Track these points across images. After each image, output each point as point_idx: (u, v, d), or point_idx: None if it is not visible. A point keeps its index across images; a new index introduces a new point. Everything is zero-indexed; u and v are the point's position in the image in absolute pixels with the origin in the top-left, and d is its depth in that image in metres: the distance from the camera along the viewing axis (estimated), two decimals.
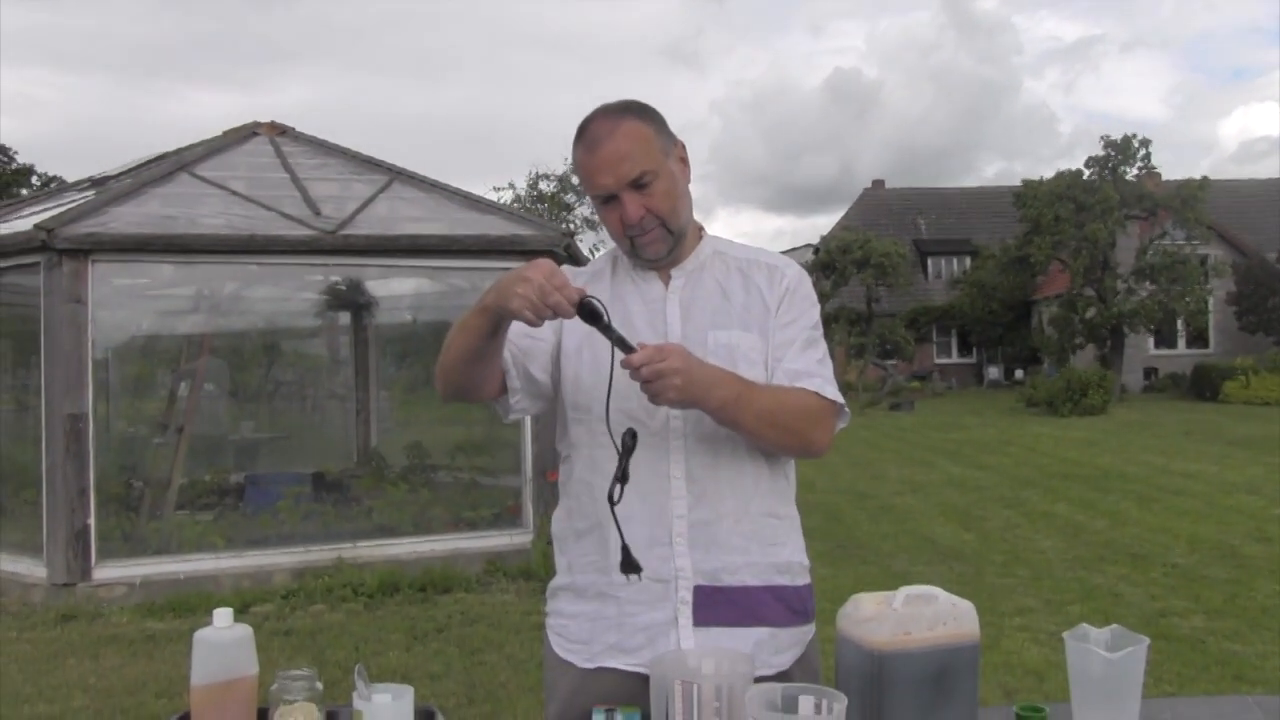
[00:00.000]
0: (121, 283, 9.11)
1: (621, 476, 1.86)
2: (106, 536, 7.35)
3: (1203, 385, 29.84)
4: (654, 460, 2.00)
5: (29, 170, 52.24)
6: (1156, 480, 13.37)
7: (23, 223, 7.54)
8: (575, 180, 39.07)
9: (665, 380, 1.78)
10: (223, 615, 1.72)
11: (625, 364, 1.80)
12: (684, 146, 2.09)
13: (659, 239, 2.02)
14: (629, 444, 1.86)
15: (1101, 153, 32.45)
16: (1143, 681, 1.80)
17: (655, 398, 1.82)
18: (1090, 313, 31.66)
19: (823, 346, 2.11)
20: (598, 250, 33.50)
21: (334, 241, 7.71)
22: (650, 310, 2.08)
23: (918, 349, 37.69)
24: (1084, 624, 1.87)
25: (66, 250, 6.99)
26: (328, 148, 10.03)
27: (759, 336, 2.05)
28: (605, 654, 2.04)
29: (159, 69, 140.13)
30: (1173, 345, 36.76)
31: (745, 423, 1.94)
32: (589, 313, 1.79)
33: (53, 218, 7.17)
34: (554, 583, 2.17)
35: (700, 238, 2.15)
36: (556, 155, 69.53)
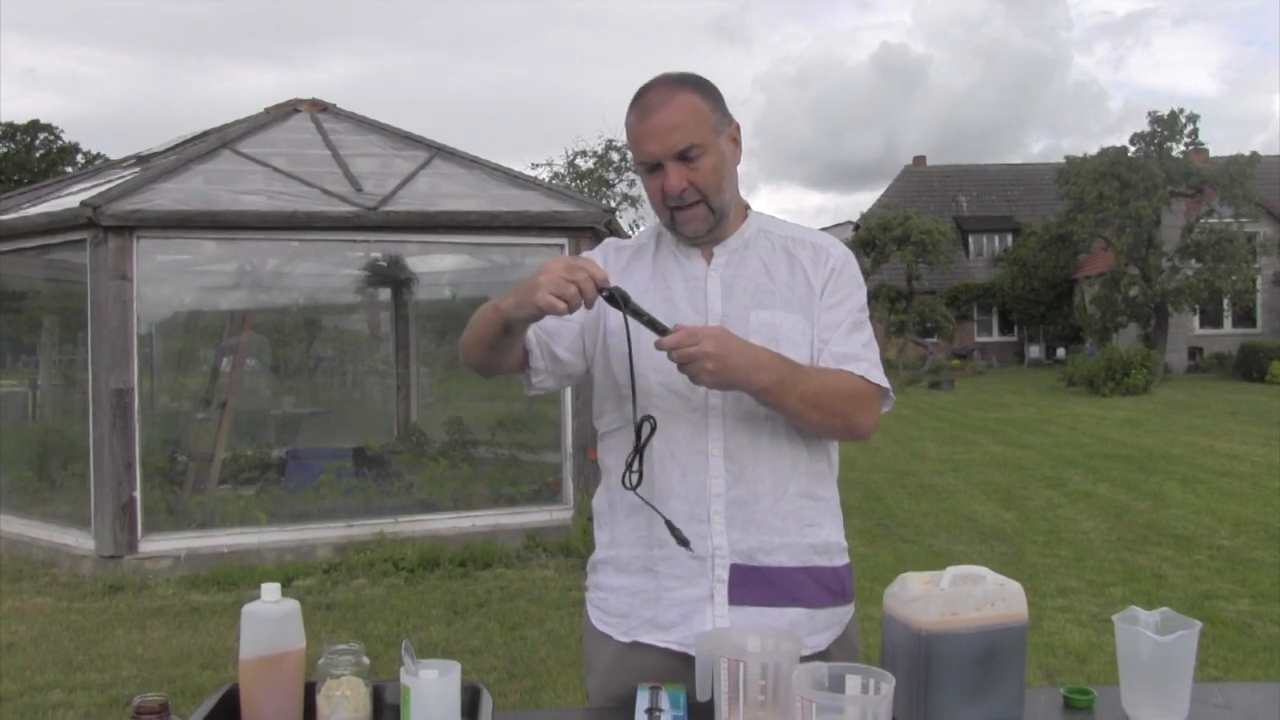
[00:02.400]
0: (166, 259, 9.21)
1: (634, 464, 1.91)
2: (152, 510, 7.45)
3: (1249, 365, 29.41)
4: (693, 437, 1.99)
5: (74, 148, 52.90)
6: (1201, 461, 13.21)
7: (69, 200, 7.61)
8: (615, 157, 39.24)
9: (697, 364, 1.79)
10: (270, 590, 1.73)
11: (658, 346, 1.81)
12: (739, 128, 2.06)
13: (699, 215, 1.99)
14: (645, 432, 1.90)
15: (1148, 129, 31.94)
16: (1194, 665, 1.77)
17: (693, 380, 1.83)
18: (1134, 291, 31.22)
19: (869, 329, 2.08)
20: (638, 227, 33.44)
21: (375, 218, 7.73)
22: (691, 288, 2.05)
23: (958, 327, 37.37)
24: (1133, 607, 1.85)
25: (112, 227, 7.06)
26: (368, 124, 10.06)
27: (802, 317, 2.02)
28: (641, 629, 2.04)
29: (203, 47, 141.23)
30: (1218, 325, 36.17)
31: (790, 406, 1.93)
32: (613, 300, 1.81)
33: (98, 195, 7.24)
34: (595, 556, 2.17)
35: (745, 216, 2.12)
36: (596, 132, 69.87)
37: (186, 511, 7.92)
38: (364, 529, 7.65)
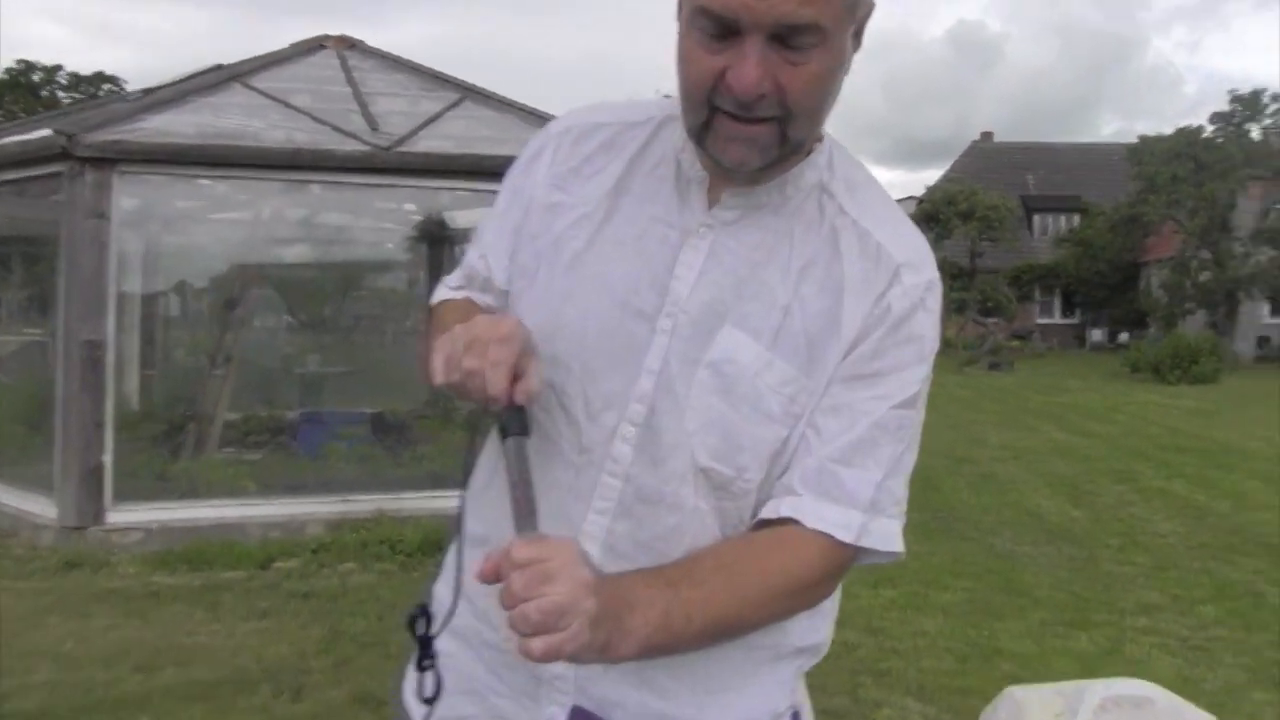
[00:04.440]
0: (182, 205, 8.58)
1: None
2: (129, 475, 6.75)
3: None
4: (567, 494, 1.29)
5: None
6: None
7: (46, 129, 6.91)
8: None
9: (518, 616, 1.01)
10: None
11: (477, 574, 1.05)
12: (870, 11, 1.23)
13: (762, 142, 1.17)
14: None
15: (1228, 108, 30.70)
16: None
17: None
18: (1204, 276, 30.24)
19: (902, 440, 1.26)
20: None
21: (390, 159, 6.98)
22: (659, 249, 1.28)
23: (1019, 307, 36.42)
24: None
25: (90, 159, 6.31)
26: (399, 63, 9.34)
27: (799, 370, 1.23)
28: None
29: (269, 2, 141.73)
30: None
31: (691, 646, 1.19)
32: (503, 430, 1.16)
33: (74, 121, 6.53)
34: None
35: (808, 153, 1.28)
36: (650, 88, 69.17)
37: (168, 478, 7.21)
38: (362, 505, 6.89)
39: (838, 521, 1.21)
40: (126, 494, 6.59)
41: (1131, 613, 5.91)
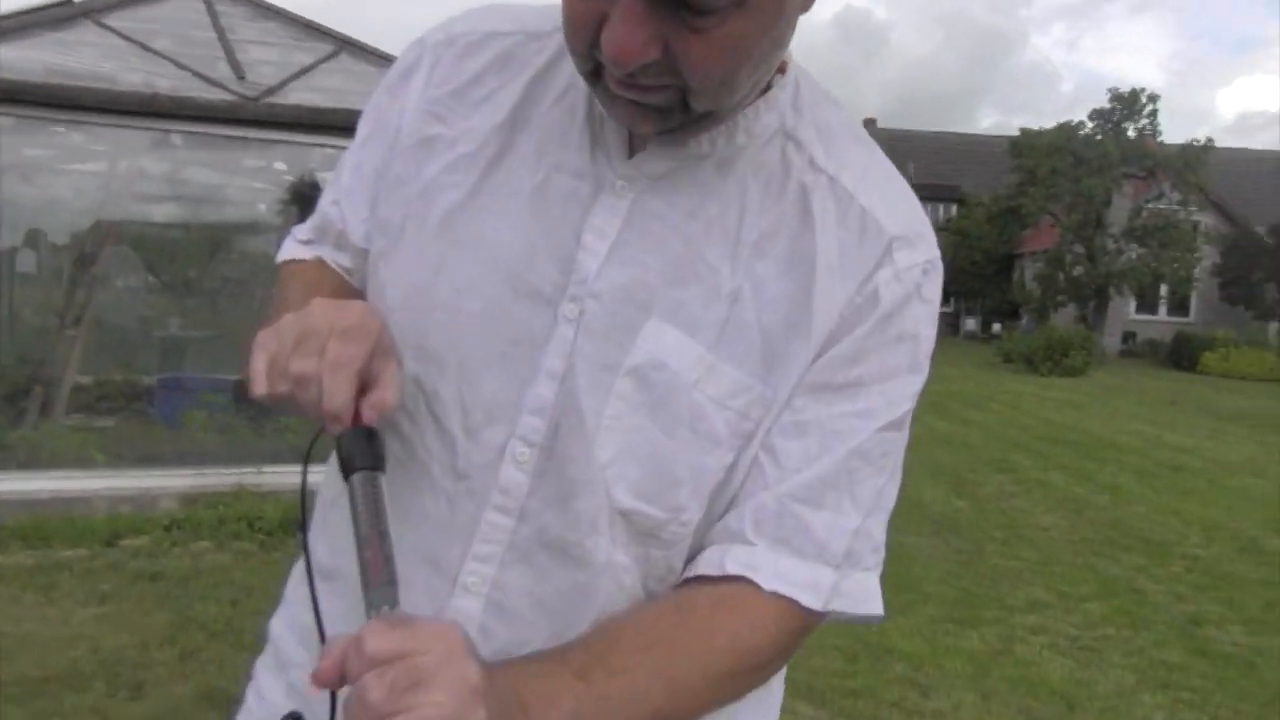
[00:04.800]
0: (32, 153, 7.94)
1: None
2: None
3: (1181, 354, 29.12)
4: (442, 538, 0.95)
5: None
6: (1151, 453, 12.48)
7: None
8: None
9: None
10: None
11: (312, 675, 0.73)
12: None
13: (655, 106, 0.86)
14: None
15: (1107, 105, 31.39)
16: None
17: None
18: (1077, 270, 30.91)
19: (884, 469, 0.98)
20: None
21: (257, 110, 6.51)
22: (563, 208, 0.95)
23: None
24: None
25: None
26: (270, 11, 8.77)
27: (752, 377, 0.92)
28: None
29: None
30: (1154, 310, 35.90)
31: None
32: (344, 463, 0.84)
33: None
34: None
35: (765, 90, 0.96)
36: None
37: (7, 446, 6.63)
38: (220, 478, 6.40)
39: (803, 581, 0.91)
40: None
41: (1021, 610, 5.78)
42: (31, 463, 6.38)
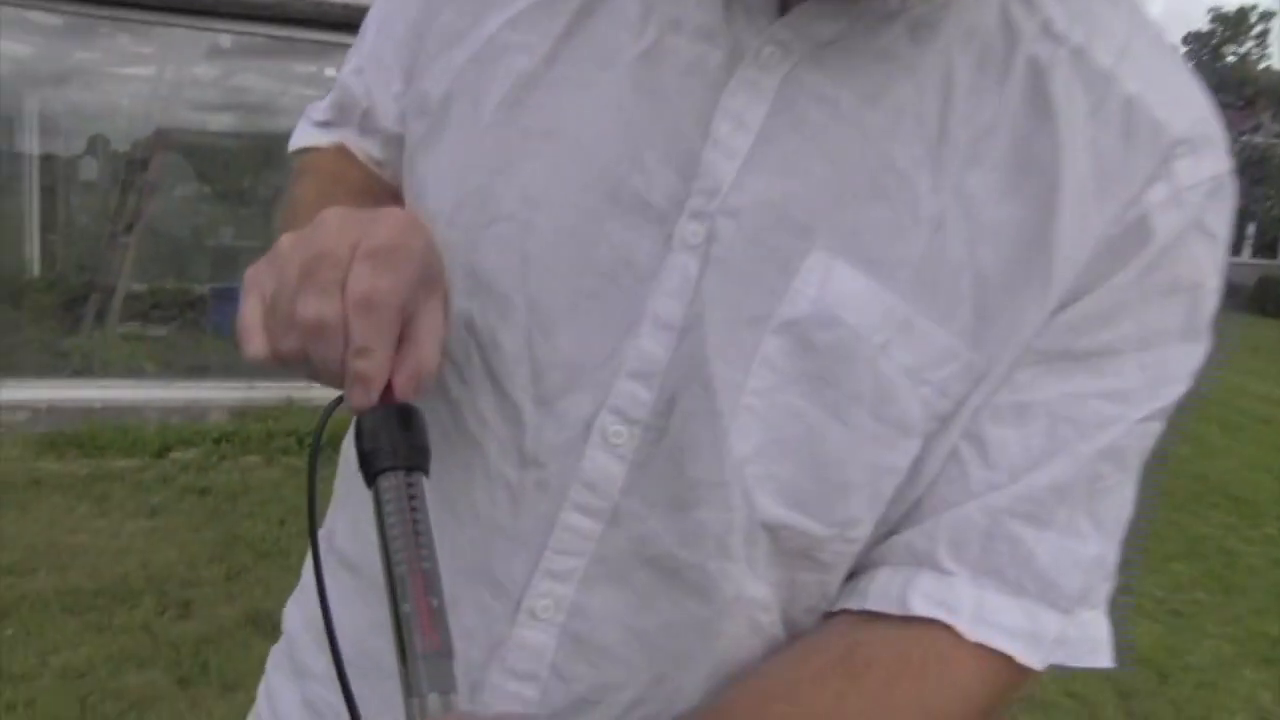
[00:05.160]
0: (82, 56, 7.85)
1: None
2: (19, 348, 6.10)
3: (1265, 299, 28.12)
4: (504, 546, 0.68)
5: None
6: (1236, 403, 11.97)
7: None
8: None
9: None
10: None
11: None
12: None
13: None
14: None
15: (1206, 28, 30.10)
16: None
17: None
18: None
19: (1133, 473, 0.70)
20: None
21: (304, 9, 6.31)
22: (683, 86, 0.64)
23: None
24: None
25: None
26: None
27: (960, 339, 0.62)
28: None
29: None
30: (1237, 252, 34.81)
31: None
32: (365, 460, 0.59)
33: None
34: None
35: None
36: None
37: (63, 353, 6.54)
38: (269, 391, 6.23)
39: (1019, 629, 0.63)
40: (15, 368, 5.93)
41: None
42: (85, 370, 6.31)
